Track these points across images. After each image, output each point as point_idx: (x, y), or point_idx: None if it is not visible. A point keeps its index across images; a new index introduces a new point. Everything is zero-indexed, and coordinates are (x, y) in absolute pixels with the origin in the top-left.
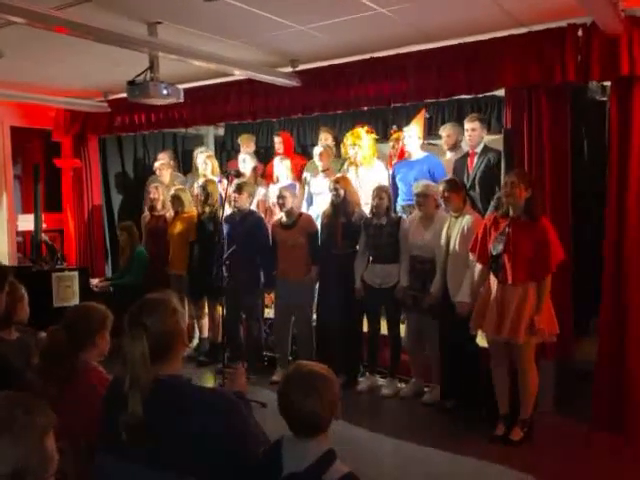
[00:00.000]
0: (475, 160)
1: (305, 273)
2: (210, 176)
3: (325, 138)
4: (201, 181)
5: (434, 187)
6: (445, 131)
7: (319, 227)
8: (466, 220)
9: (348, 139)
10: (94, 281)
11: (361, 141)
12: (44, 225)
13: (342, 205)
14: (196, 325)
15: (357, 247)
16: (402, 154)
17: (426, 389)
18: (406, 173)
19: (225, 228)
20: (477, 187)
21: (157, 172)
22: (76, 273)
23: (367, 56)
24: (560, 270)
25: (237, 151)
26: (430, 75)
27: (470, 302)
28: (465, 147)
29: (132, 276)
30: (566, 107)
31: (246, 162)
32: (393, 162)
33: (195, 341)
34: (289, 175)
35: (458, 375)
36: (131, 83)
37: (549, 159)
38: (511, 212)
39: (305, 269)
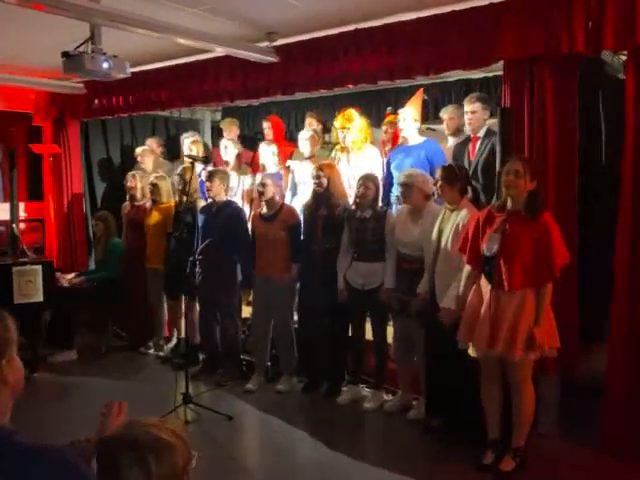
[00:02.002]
0: (477, 146)
1: (286, 271)
2: None
3: (310, 123)
4: (180, 168)
5: (421, 176)
6: (447, 113)
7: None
8: (462, 215)
9: (337, 121)
10: (68, 276)
11: (351, 123)
12: (24, 215)
13: (324, 196)
14: (174, 325)
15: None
16: (395, 139)
17: (414, 402)
18: (402, 160)
19: (200, 220)
20: (480, 176)
21: (138, 159)
22: (39, 267)
23: (352, 27)
24: (563, 270)
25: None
26: (420, 48)
27: (456, 310)
28: (468, 132)
29: (106, 270)
30: (574, 83)
31: (228, 149)
32: (386, 148)
33: (173, 341)
34: (276, 162)
35: (445, 390)
36: (66, 55)
37: (553, 144)
38: (509, 205)
39: (286, 266)
